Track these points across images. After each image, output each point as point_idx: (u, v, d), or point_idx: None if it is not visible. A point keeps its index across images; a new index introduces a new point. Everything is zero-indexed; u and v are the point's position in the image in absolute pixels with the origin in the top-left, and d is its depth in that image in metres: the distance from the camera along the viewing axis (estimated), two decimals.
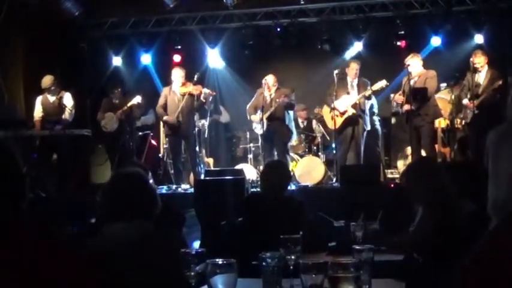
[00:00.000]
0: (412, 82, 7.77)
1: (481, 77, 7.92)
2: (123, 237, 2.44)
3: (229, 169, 8.51)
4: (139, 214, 2.54)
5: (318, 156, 9.34)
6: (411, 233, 3.59)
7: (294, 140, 9.27)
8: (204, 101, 8.45)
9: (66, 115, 8.41)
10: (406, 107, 7.83)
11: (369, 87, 8.30)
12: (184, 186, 8.43)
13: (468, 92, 7.99)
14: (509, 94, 3.76)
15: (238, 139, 10.37)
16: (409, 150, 8.64)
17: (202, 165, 8.95)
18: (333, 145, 8.89)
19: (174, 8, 9.67)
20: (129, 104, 8.74)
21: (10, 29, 8.91)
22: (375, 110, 9.10)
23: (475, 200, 3.59)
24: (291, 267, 2.20)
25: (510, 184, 3.36)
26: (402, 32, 9.75)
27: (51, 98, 8.50)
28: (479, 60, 7.86)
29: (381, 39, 10.02)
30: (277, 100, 8.46)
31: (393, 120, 9.99)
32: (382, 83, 8.26)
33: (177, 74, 8.46)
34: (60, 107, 8.39)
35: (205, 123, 9.63)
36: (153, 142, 10.03)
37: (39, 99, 8.56)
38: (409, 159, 8.62)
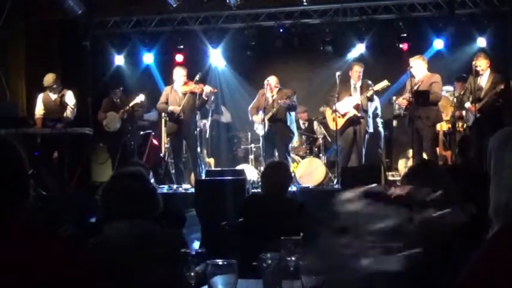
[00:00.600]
0: (416, 86, 7.78)
1: (483, 81, 7.92)
2: (124, 237, 2.44)
3: (230, 169, 8.48)
4: (140, 213, 2.53)
5: (319, 157, 9.34)
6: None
7: (295, 141, 9.26)
8: (206, 98, 8.41)
9: (68, 113, 8.39)
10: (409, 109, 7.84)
11: (370, 88, 8.30)
12: (185, 186, 8.42)
13: (470, 96, 7.99)
14: None
15: (240, 139, 10.37)
16: (410, 152, 8.63)
17: (203, 165, 8.93)
18: (334, 147, 8.88)
19: (177, 8, 9.66)
20: (132, 103, 8.72)
21: (12, 27, 8.92)
22: (379, 112, 9.09)
23: (477, 203, 3.58)
24: (291, 269, 2.19)
25: None
26: (405, 35, 9.74)
27: (53, 96, 8.50)
28: (481, 63, 7.85)
29: (384, 42, 10.01)
30: (279, 101, 8.45)
31: (395, 123, 10.00)
32: (384, 83, 8.26)
33: (179, 73, 8.44)
34: (62, 105, 8.38)
35: (206, 123, 9.62)
36: (155, 141, 10.02)
37: (40, 97, 8.56)
38: (411, 162, 8.62)
